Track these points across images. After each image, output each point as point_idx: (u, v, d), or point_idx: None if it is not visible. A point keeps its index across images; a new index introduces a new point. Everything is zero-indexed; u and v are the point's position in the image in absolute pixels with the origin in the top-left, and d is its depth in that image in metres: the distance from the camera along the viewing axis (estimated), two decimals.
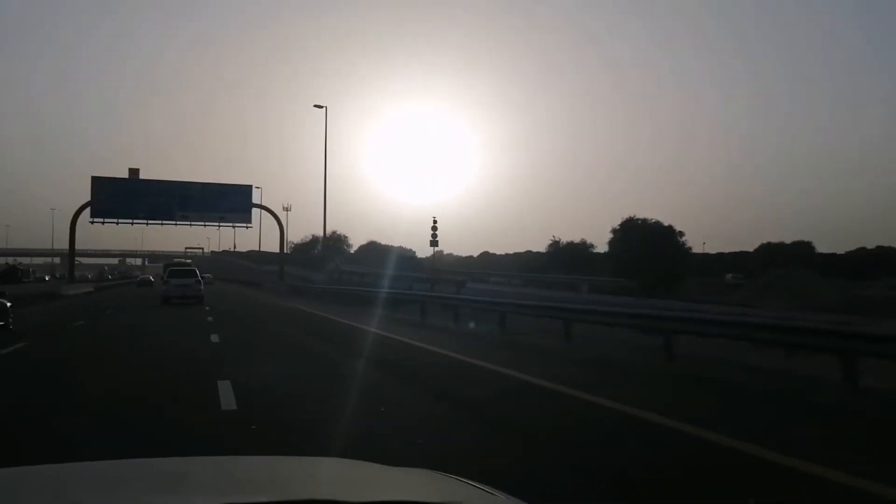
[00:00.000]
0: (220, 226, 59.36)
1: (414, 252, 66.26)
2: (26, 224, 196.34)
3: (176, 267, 35.47)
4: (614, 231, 59.48)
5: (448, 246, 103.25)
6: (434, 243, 41.36)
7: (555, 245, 69.96)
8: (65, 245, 59.90)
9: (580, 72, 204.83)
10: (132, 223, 54.76)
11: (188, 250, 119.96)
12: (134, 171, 53.71)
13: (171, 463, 2.21)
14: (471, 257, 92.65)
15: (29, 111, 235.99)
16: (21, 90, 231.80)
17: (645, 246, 53.68)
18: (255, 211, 58.56)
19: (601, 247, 65.60)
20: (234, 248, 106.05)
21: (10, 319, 16.16)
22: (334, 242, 76.38)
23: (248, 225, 58.14)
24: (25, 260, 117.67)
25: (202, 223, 56.72)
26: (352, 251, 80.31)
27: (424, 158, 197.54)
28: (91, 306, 28.08)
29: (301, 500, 1.41)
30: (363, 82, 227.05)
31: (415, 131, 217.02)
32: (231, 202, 55.50)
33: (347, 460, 2.25)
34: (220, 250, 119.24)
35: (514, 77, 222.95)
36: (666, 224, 58.26)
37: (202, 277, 32.72)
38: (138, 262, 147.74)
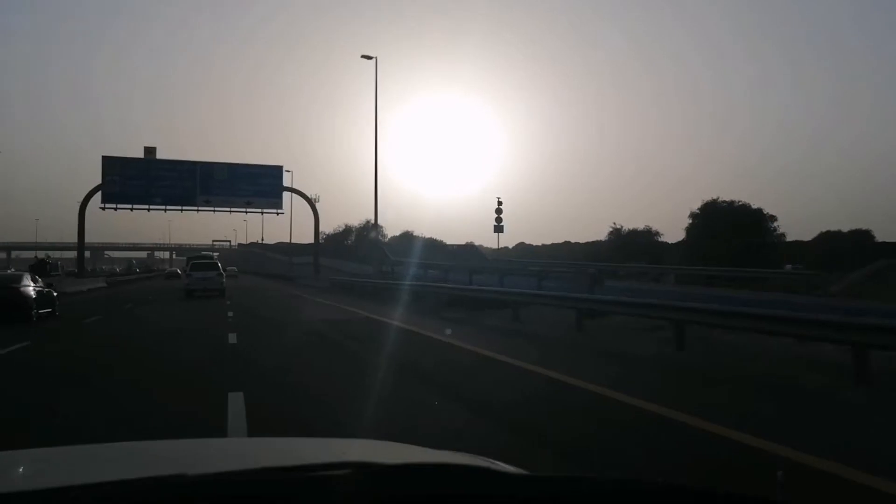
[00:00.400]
0: (247, 212, 52.39)
1: (456, 244, 60.16)
2: (58, 219, 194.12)
3: (198, 260, 34.77)
4: (693, 216, 52.54)
5: (479, 238, 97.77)
6: (499, 228, 34.56)
7: (616, 233, 63.11)
8: (93, 238, 54.28)
9: (619, 62, 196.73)
10: (148, 209, 48.58)
11: (215, 243, 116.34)
12: (150, 150, 47.47)
13: (187, 444, 2.17)
14: (506, 248, 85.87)
15: (55, 105, 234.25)
16: (56, 83, 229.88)
17: (733, 233, 46.64)
18: (284, 196, 52.33)
19: (667, 235, 59.13)
20: (262, 239, 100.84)
21: (57, 305, 18.78)
22: (368, 232, 71.19)
23: (279, 211, 52.04)
24: (56, 254, 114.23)
25: (227, 209, 50.47)
26: (385, 241, 74.95)
27: (453, 148, 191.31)
28: (77, 311, 21.55)
29: (325, 464, 1.21)
30: (392, 68, 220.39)
31: (442, 120, 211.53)
32: (259, 185, 49.35)
33: (379, 441, 2.21)
34: (248, 242, 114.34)
35: (545, 63, 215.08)
36: (754, 207, 51.16)
37: (225, 271, 34.45)
38: (166, 255, 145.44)
